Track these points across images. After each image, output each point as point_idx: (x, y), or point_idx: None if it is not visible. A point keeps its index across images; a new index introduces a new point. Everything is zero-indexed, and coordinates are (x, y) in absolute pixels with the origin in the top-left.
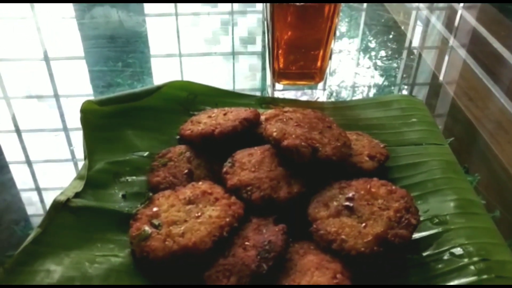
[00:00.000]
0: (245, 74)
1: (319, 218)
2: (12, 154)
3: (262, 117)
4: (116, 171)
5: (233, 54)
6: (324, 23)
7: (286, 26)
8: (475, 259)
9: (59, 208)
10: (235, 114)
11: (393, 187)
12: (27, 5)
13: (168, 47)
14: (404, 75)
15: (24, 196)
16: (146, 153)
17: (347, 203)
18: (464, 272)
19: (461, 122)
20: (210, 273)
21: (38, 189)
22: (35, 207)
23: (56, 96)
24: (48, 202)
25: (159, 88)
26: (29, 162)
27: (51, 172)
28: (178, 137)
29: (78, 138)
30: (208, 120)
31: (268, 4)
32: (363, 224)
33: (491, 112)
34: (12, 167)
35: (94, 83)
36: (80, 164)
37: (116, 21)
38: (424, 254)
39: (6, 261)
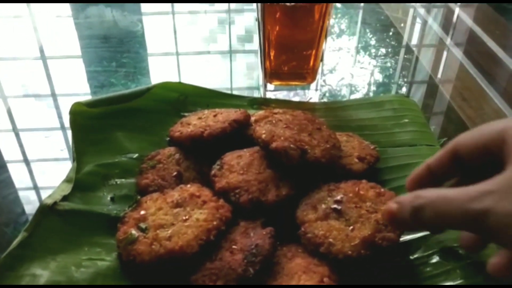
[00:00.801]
0: (242, 72)
1: (307, 221)
2: (5, 154)
3: (253, 119)
4: (105, 173)
5: (230, 52)
6: (316, 23)
7: (277, 26)
8: (464, 261)
9: (46, 212)
10: (225, 116)
11: (382, 190)
12: (22, 3)
13: (165, 46)
14: (399, 75)
15: (16, 197)
16: (135, 155)
17: (335, 206)
18: (452, 275)
19: (455, 123)
20: (196, 277)
21: (30, 190)
22: (26, 209)
23: (50, 96)
24: (34, 202)
25: (149, 89)
26: (20, 162)
27: (44, 172)
28: (168, 138)
29: (68, 138)
30: (198, 121)
31: (259, 4)
32: (351, 227)
33: (484, 112)
34: (3, 167)
35: (88, 83)
36: (69, 165)
37: (111, 21)
38: (413, 257)
39: None
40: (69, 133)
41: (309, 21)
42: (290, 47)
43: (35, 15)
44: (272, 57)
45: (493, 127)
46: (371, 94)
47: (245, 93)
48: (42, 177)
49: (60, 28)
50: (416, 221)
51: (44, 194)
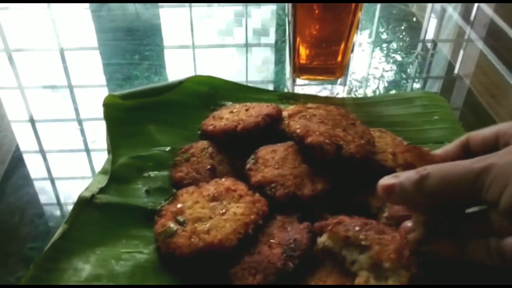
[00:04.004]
0: (258, 66)
1: None
2: (32, 146)
3: (284, 113)
4: (140, 166)
5: (246, 46)
6: (346, 18)
7: (308, 21)
8: None
9: (84, 205)
10: (257, 110)
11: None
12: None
13: (182, 38)
14: (423, 70)
15: (46, 189)
16: (168, 148)
17: None
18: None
19: (484, 120)
20: (235, 270)
21: (61, 181)
22: (57, 200)
23: (73, 87)
24: (65, 193)
25: (181, 82)
26: (51, 153)
27: (74, 164)
28: (199, 132)
29: (97, 129)
30: (230, 115)
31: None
32: None
33: None
34: (33, 160)
35: (112, 75)
36: (99, 156)
37: (133, 14)
38: None
39: (29, 254)
40: (94, 125)
41: (340, 16)
42: (320, 42)
43: (58, 9)
44: (301, 52)
45: (494, 127)
46: (392, 89)
47: (261, 87)
48: (72, 168)
49: (85, 21)
50: (420, 190)
51: (75, 185)
